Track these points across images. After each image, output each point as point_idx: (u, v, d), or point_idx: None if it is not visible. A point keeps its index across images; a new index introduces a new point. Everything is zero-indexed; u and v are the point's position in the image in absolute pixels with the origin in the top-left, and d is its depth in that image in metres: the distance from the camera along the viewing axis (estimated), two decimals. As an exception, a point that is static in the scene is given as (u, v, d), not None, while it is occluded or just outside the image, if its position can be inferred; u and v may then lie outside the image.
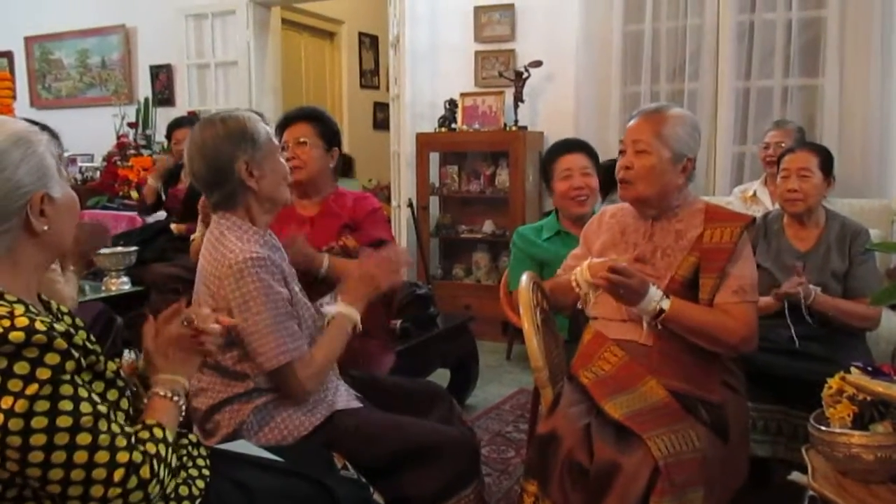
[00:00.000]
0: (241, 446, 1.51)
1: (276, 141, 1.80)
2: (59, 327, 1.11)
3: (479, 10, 4.85)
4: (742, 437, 1.89)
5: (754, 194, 3.49)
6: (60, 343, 1.08)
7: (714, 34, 4.15)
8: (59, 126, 5.49)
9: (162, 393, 1.28)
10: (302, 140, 2.40)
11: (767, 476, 2.27)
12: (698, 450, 1.64)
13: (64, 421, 1.05)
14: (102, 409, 1.11)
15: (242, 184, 1.70)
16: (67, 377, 1.08)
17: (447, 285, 4.84)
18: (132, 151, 5.60)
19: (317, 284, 2.20)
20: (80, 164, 6.07)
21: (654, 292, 1.80)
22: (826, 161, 2.48)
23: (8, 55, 6.67)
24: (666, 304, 1.78)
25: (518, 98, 4.59)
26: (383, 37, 6.04)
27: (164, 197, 4.23)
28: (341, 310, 1.82)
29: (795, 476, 1.64)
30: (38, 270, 1.23)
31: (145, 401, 1.30)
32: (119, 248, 3.44)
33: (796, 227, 2.50)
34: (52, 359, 1.06)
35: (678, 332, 1.81)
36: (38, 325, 1.07)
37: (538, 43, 4.68)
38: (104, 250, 3.45)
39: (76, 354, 1.10)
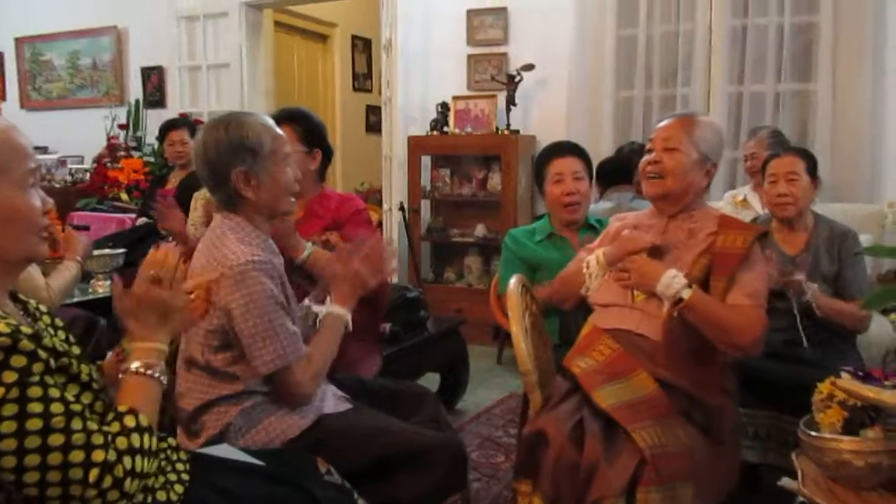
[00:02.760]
0: (223, 451, 1.49)
1: (285, 150, 1.77)
2: (27, 329, 1.08)
3: (471, 14, 4.84)
4: (733, 440, 1.90)
5: (745, 199, 3.49)
6: (26, 345, 1.05)
7: (707, 39, 4.16)
8: (50, 128, 5.51)
9: (135, 368, 1.23)
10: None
11: (758, 482, 2.26)
12: (685, 446, 1.65)
13: (34, 423, 1.03)
14: (76, 407, 1.09)
15: (238, 192, 1.69)
16: (36, 378, 1.05)
17: (438, 289, 4.83)
18: (122, 153, 5.56)
19: (293, 271, 2.18)
20: (69, 165, 6.05)
21: (677, 276, 1.83)
22: (811, 164, 2.49)
23: (-1, 56, 6.65)
24: (687, 294, 1.81)
25: (510, 102, 4.58)
26: (376, 40, 6.02)
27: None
28: (332, 310, 1.81)
29: (785, 482, 1.63)
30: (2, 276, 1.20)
31: (120, 377, 1.24)
32: (106, 251, 3.40)
33: (785, 231, 2.49)
34: (18, 361, 1.04)
35: (693, 322, 1.82)
36: (2, 328, 1.04)
37: (531, 46, 4.68)
38: (91, 252, 3.43)
39: (44, 356, 1.08)
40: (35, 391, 1.04)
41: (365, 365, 2.41)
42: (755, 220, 2.62)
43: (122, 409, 1.18)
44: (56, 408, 1.06)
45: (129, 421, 1.16)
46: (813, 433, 1.54)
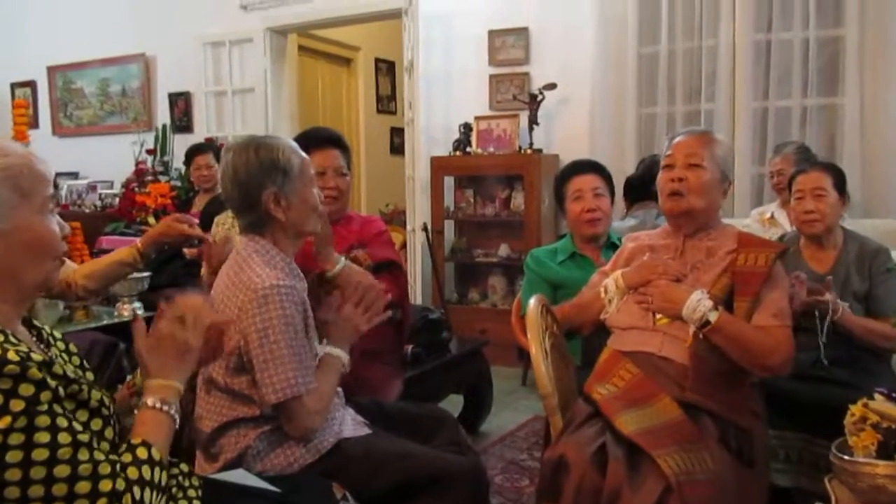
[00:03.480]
0: (238, 476, 1.47)
1: (311, 171, 1.78)
2: (37, 357, 1.08)
3: (493, 34, 4.85)
4: (763, 462, 1.84)
5: (772, 216, 3.43)
6: (35, 373, 1.05)
7: (730, 54, 4.12)
8: (80, 154, 5.59)
9: (151, 403, 1.23)
10: (343, 172, 2.40)
11: (790, 507, 2.19)
12: (711, 471, 1.59)
13: (40, 454, 1.02)
14: (83, 437, 1.08)
15: (268, 213, 1.70)
16: (44, 407, 1.04)
17: (462, 310, 4.80)
18: (150, 178, 5.64)
19: (323, 284, 2.17)
20: (99, 190, 6.16)
21: (703, 298, 1.79)
22: (839, 179, 2.42)
23: (31, 84, 6.80)
24: (714, 316, 1.77)
25: (533, 121, 4.57)
26: (400, 62, 6.06)
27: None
28: (329, 351, 1.79)
29: (818, 507, 1.57)
30: (14, 302, 1.20)
31: (135, 413, 1.25)
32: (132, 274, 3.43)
33: (813, 248, 2.43)
34: (26, 389, 1.03)
35: (720, 344, 1.78)
36: (11, 356, 1.04)
37: (553, 66, 4.68)
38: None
39: (53, 384, 1.07)
40: (42, 420, 1.04)
41: (386, 388, 2.38)
42: (782, 238, 2.56)
43: (135, 441, 1.18)
44: (63, 438, 1.05)
45: (142, 453, 1.15)
46: (846, 457, 1.47)
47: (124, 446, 1.17)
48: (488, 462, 3.00)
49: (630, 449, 1.63)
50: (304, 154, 1.77)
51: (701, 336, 1.79)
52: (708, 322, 1.77)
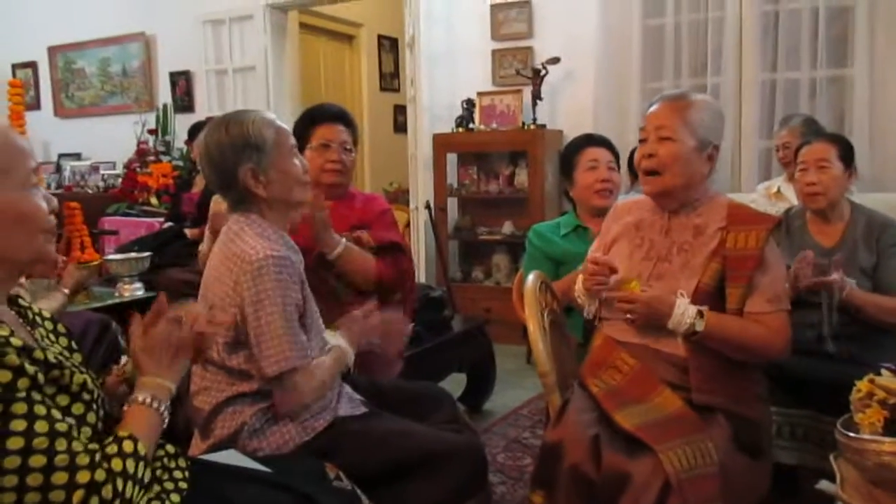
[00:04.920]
0: (228, 457, 1.45)
1: (290, 142, 1.75)
2: (16, 341, 1.05)
3: (495, 8, 4.78)
4: (769, 448, 1.79)
5: (778, 190, 3.38)
6: (12, 359, 1.02)
7: (737, 26, 4.04)
8: (83, 135, 5.60)
9: (141, 399, 1.22)
10: (348, 147, 2.42)
11: (795, 485, 2.16)
12: (715, 463, 1.54)
13: (15, 443, 1.00)
14: (61, 427, 1.05)
15: (248, 190, 1.67)
16: (21, 395, 1.02)
17: (467, 288, 4.78)
18: (152, 158, 5.62)
19: (323, 266, 2.21)
20: (102, 171, 6.15)
21: (686, 308, 1.69)
22: (845, 151, 2.35)
23: (32, 65, 6.77)
24: (700, 326, 1.68)
25: (536, 96, 4.51)
26: (403, 39, 5.99)
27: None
28: (341, 343, 1.78)
29: (823, 485, 1.55)
30: (1, 281, 1.17)
31: (125, 407, 1.24)
32: (132, 254, 3.42)
33: (819, 222, 2.37)
34: (2, 376, 1.01)
35: (713, 347, 1.71)
36: None
37: (556, 39, 4.60)
38: (117, 256, 3.46)
39: (32, 370, 1.05)
40: (19, 408, 1.01)
41: (387, 367, 2.36)
42: (789, 211, 2.51)
43: (122, 433, 1.16)
44: (40, 426, 1.03)
45: (128, 447, 1.14)
46: (852, 434, 1.45)
47: (111, 438, 1.15)
48: (491, 440, 2.99)
49: (629, 440, 1.57)
50: (279, 125, 1.74)
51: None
52: (697, 331, 1.69)
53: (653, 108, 1.86)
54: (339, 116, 2.45)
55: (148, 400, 1.23)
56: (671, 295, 1.72)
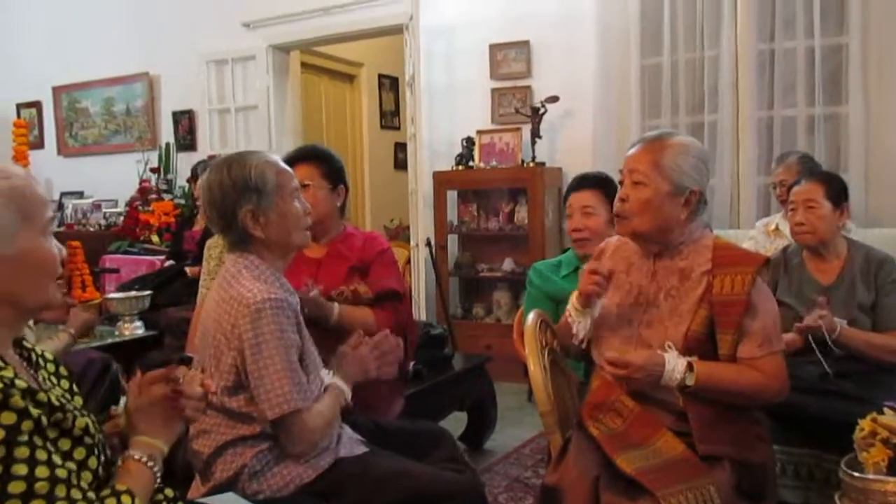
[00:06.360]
0: (227, 500, 1.44)
1: (292, 184, 1.75)
2: (21, 383, 1.05)
3: (494, 48, 4.85)
4: (773, 491, 1.77)
5: (777, 227, 3.39)
6: (17, 401, 1.02)
7: (733, 64, 4.08)
8: (85, 173, 5.65)
9: (137, 456, 1.22)
10: (305, 183, 2.30)
11: (800, 525, 2.13)
12: None
13: (17, 487, 0.99)
14: (62, 473, 1.05)
15: (247, 231, 1.68)
16: (24, 438, 1.02)
17: (467, 325, 4.77)
18: (153, 196, 5.66)
19: (326, 331, 2.16)
20: (104, 209, 6.17)
21: (676, 363, 1.67)
22: (834, 190, 2.38)
23: (37, 105, 6.85)
24: (691, 380, 1.65)
25: (535, 134, 4.55)
26: (403, 78, 6.07)
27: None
28: (336, 382, 1.77)
29: (828, 525, 1.53)
30: (10, 325, 1.18)
31: (119, 462, 1.24)
32: (133, 293, 3.43)
33: (816, 260, 2.40)
34: (7, 418, 1.01)
35: (709, 396, 1.69)
36: None
37: (555, 78, 4.66)
38: (117, 294, 3.47)
39: (36, 413, 1.05)
40: (22, 451, 1.01)
41: (387, 407, 2.35)
42: (787, 249, 2.53)
43: (120, 487, 1.16)
44: (41, 472, 1.02)
45: (126, 500, 1.14)
46: (856, 474, 1.44)
47: (109, 490, 1.15)
48: (493, 480, 2.96)
49: (630, 482, 1.56)
50: (282, 167, 1.74)
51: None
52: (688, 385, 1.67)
53: (630, 151, 1.83)
54: (301, 157, 2.38)
55: (144, 458, 1.23)
56: (659, 353, 1.69)
